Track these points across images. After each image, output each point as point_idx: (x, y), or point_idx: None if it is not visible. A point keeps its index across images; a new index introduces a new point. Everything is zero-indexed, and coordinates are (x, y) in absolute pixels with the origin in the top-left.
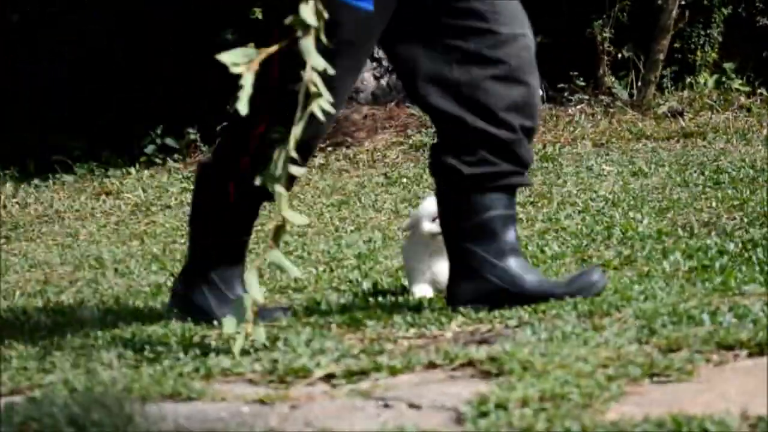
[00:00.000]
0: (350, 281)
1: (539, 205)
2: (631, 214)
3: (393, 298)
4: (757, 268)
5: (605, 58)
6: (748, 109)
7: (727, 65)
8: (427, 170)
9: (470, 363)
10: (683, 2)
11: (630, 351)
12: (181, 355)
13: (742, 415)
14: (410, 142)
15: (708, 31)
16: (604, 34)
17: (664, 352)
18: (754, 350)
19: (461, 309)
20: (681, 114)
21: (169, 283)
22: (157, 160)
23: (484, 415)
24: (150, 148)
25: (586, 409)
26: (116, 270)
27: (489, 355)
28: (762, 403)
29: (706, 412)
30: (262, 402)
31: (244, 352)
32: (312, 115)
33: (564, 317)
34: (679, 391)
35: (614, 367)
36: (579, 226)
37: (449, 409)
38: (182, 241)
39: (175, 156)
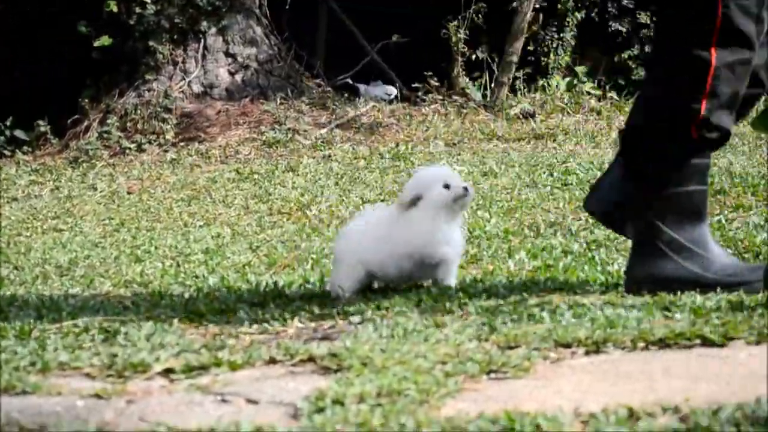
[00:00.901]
0: (196, 276)
1: (389, 203)
2: (479, 213)
3: (237, 293)
4: (599, 268)
5: (460, 59)
6: (599, 112)
7: (579, 69)
8: (281, 167)
9: (311, 359)
10: (537, 6)
11: (469, 348)
12: (19, 348)
13: (575, 411)
14: (263, 138)
15: (561, 35)
16: (459, 35)
17: (502, 349)
18: (591, 348)
19: (306, 307)
20: (533, 116)
21: (13, 276)
22: (6, 152)
23: (320, 410)
24: None
25: (423, 405)
26: None
27: (330, 351)
28: (595, 400)
29: (540, 408)
30: (98, 396)
31: (80, 347)
32: None
33: (407, 314)
34: (515, 388)
35: (453, 364)
36: None
37: (287, 404)
38: (28, 233)
39: (25, 148)
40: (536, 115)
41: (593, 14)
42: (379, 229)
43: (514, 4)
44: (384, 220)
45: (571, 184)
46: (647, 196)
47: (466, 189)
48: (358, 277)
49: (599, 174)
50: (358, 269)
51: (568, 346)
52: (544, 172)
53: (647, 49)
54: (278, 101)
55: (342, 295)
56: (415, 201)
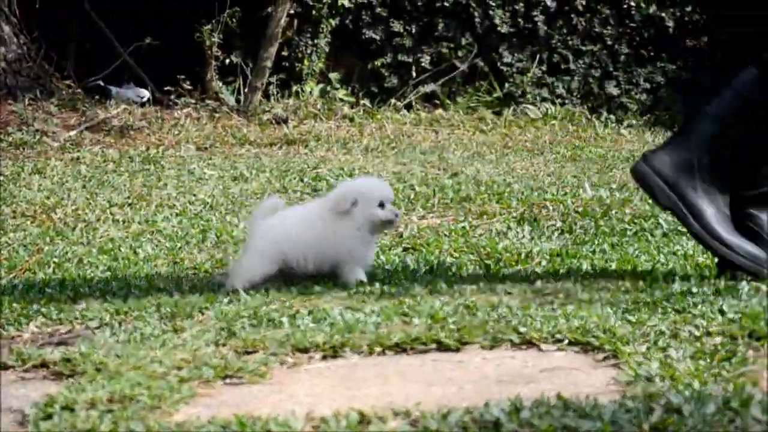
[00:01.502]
0: None
1: (137, 207)
2: (228, 218)
3: None
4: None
5: (213, 63)
6: (351, 119)
7: (333, 75)
8: (27, 169)
9: (44, 364)
10: (292, 11)
11: (206, 353)
12: None
13: (307, 416)
14: (10, 139)
15: (315, 41)
16: (213, 39)
17: (240, 354)
18: (328, 353)
19: (43, 310)
20: (285, 121)
21: None
22: None
23: (48, 417)
24: None
25: (154, 411)
26: None
27: (63, 356)
28: (329, 404)
29: (272, 413)
30: None
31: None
32: None
33: (146, 318)
34: (250, 393)
35: (188, 369)
36: (175, 229)
37: (15, 411)
38: None
39: None
40: (289, 121)
41: (347, 21)
42: (306, 227)
43: (269, 9)
44: (310, 219)
45: (321, 189)
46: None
47: (396, 216)
48: (269, 269)
49: (348, 179)
50: (274, 261)
51: (305, 350)
52: (295, 178)
53: (400, 57)
54: (26, 102)
55: (244, 283)
56: (350, 210)
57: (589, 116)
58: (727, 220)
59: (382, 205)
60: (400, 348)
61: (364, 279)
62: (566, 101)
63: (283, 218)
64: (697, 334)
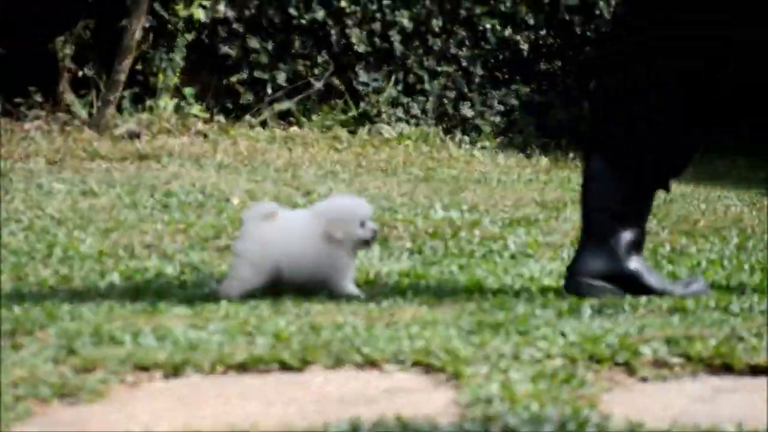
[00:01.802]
0: None
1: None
2: (75, 233)
3: None
4: (191, 291)
5: (66, 75)
6: (205, 135)
7: (188, 90)
8: None
9: None
10: (147, 25)
11: (44, 370)
12: None
13: None
14: None
15: (170, 55)
16: (66, 51)
17: (79, 372)
18: (169, 371)
19: None
20: (138, 136)
21: None
22: None
23: None
24: None
25: None
26: None
27: None
28: (168, 424)
29: None
30: None
31: None
32: None
33: None
34: (88, 412)
35: (25, 387)
36: (20, 244)
37: None
38: None
39: None
40: (142, 136)
41: (203, 36)
42: (301, 237)
43: (124, 22)
44: (301, 230)
45: (172, 206)
46: None
47: (375, 232)
48: (263, 279)
49: (200, 197)
50: (267, 270)
51: (146, 369)
52: (146, 194)
53: (256, 73)
54: None
55: (239, 291)
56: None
57: (443, 137)
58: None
59: (362, 224)
60: (242, 367)
61: (357, 293)
62: (421, 122)
63: (277, 226)
64: (538, 356)
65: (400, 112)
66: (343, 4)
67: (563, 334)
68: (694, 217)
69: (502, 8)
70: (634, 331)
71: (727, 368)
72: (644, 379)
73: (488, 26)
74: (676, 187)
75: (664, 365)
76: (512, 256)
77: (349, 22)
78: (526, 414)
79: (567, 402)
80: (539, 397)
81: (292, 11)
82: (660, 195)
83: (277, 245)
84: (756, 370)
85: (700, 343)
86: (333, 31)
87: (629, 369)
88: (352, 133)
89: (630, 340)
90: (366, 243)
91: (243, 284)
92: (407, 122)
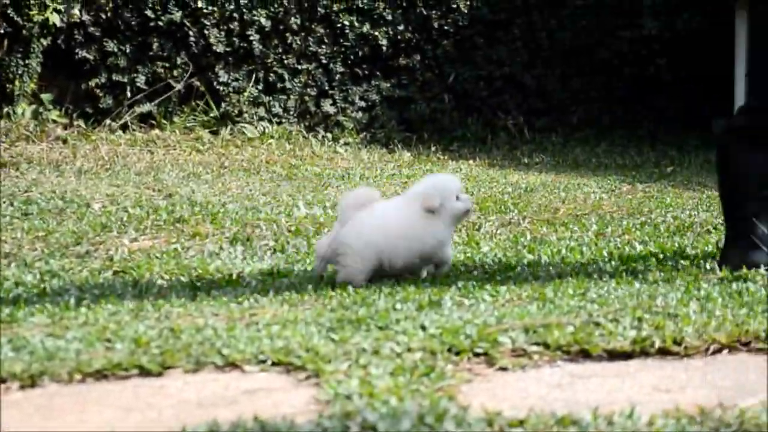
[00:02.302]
0: None
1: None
2: None
3: None
4: (49, 299)
5: None
6: (64, 141)
7: (45, 96)
8: None
9: None
10: (1, 31)
11: None
12: None
13: None
14: None
15: (27, 62)
16: None
17: None
18: (26, 382)
19: None
20: None
21: None
22: None
23: None
24: None
25: None
26: None
27: None
28: None
29: None
30: None
31: None
32: None
33: None
34: None
35: None
36: None
37: None
38: None
39: None
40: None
41: (59, 41)
42: (395, 225)
43: None
44: (398, 217)
45: (32, 213)
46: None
47: (471, 203)
48: (371, 267)
49: (60, 203)
50: (372, 259)
51: (2, 381)
52: (5, 202)
53: (115, 77)
54: None
55: (358, 280)
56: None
57: (305, 135)
58: None
59: (457, 197)
60: (101, 374)
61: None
62: (283, 120)
63: (377, 215)
64: (398, 350)
65: (261, 111)
66: (200, 4)
67: (423, 327)
68: (554, 205)
69: (360, 4)
70: (493, 321)
71: (584, 354)
72: (504, 369)
73: (347, 23)
74: (536, 176)
75: (523, 354)
76: None
77: (207, 22)
78: (385, 409)
79: (426, 395)
80: (398, 392)
81: (149, 13)
82: (520, 185)
83: (376, 235)
84: (613, 355)
85: (558, 331)
86: (191, 32)
87: (489, 359)
88: (215, 133)
89: (489, 330)
90: (466, 213)
91: (356, 271)
92: (269, 121)
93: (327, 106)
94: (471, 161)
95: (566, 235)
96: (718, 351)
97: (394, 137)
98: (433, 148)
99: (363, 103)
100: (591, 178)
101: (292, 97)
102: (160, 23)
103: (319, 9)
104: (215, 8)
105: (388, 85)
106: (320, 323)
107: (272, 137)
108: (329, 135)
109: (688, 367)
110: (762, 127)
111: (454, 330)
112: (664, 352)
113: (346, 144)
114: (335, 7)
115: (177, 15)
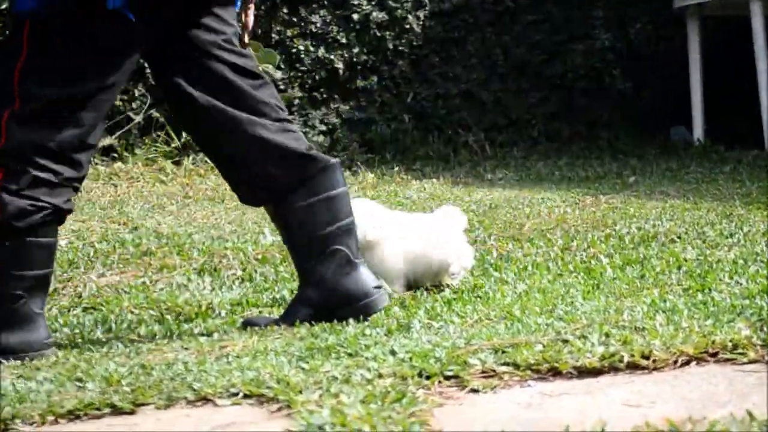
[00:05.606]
0: None
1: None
2: None
3: None
4: None
5: None
6: None
7: None
8: None
9: None
10: None
11: None
12: None
13: None
14: None
15: None
16: None
17: None
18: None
19: None
20: None
21: None
22: None
23: None
24: None
25: None
26: None
27: None
28: None
29: None
30: None
31: None
32: None
33: None
34: None
35: None
36: None
37: None
38: None
39: None
40: None
41: None
42: (419, 244)
43: None
44: (420, 235)
45: None
46: None
47: None
48: (404, 282)
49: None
50: (403, 275)
51: None
52: None
53: None
54: None
55: (396, 291)
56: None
57: None
58: None
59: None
60: (74, 415)
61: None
62: None
63: (402, 233)
64: (369, 377)
65: None
66: None
67: (393, 353)
68: (519, 221)
69: (314, 29)
70: (462, 343)
71: (554, 372)
72: (475, 391)
73: (302, 47)
74: (500, 192)
75: (494, 375)
76: None
77: None
78: None
79: (398, 422)
80: (370, 419)
81: None
82: (485, 202)
83: (405, 258)
84: (582, 372)
85: (527, 350)
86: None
87: (459, 382)
88: (177, 164)
89: (458, 353)
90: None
91: (395, 288)
92: None
93: None
94: (434, 180)
95: (532, 251)
96: (686, 363)
97: (357, 159)
98: (396, 168)
99: (323, 127)
100: (554, 191)
101: None
102: None
103: (273, 35)
104: None
105: (347, 107)
106: (290, 353)
107: None
108: None
109: (658, 380)
110: None
111: (423, 354)
112: (633, 367)
113: None
114: (288, 33)
115: None
